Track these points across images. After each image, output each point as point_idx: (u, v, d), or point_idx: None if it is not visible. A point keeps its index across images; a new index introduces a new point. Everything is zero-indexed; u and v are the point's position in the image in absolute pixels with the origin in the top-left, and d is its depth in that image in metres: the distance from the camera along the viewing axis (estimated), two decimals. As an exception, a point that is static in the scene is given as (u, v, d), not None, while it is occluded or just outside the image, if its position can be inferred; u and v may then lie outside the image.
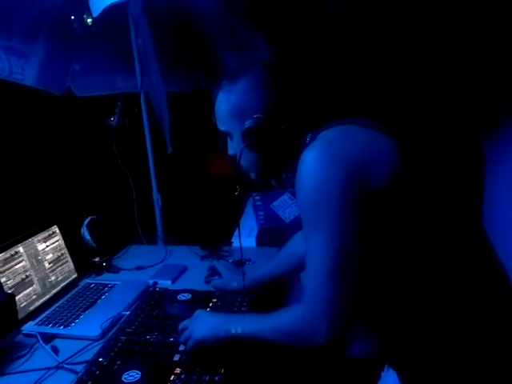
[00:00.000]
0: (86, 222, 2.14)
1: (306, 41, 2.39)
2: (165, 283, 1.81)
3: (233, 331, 1.15)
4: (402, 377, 1.12)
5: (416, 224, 1.01)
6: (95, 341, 1.42)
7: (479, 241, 1.08)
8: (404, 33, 2.21)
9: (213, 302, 1.55)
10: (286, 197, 2.34)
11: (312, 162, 1.01)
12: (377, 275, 1.06)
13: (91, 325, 1.49)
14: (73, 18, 2.16)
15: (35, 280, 1.66)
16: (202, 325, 1.24)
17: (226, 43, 2.68)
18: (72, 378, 1.19)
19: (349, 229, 0.99)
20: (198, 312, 1.32)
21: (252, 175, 1.26)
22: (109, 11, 2.08)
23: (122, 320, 1.49)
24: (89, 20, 2.14)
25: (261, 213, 2.38)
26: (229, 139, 1.25)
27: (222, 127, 1.23)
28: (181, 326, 1.30)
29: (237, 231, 2.30)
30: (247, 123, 1.15)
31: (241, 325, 1.16)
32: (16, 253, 1.60)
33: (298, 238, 1.58)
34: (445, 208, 1.05)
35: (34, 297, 1.63)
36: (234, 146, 1.22)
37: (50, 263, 1.75)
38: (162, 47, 2.41)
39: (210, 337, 1.20)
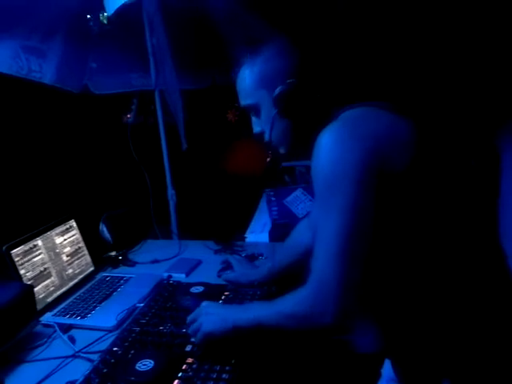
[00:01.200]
0: (103, 217, 2.19)
1: (326, 28, 2.37)
2: (179, 276, 1.84)
3: (241, 321, 1.15)
4: (396, 365, 1.16)
5: (428, 211, 1.01)
6: (110, 331, 1.46)
7: (490, 237, 1.08)
8: (427, 22, 2.20)
9: (225, 295, 1.57)
10: (299, 192, 2.35)
11: (329, 141, 1.00)
12: (383, 262, 1.05)
13: (107, 316, 1.53)
14: (89, 16, 2.21)
15: (53, 272, 1.70)
16: (210, 317, 1.22)
17: (241, 38, 2.70)
18: (88, 366, 1.23)
19: (362, 209, 0.97)
20: (204, 304, 1.30)
21: (281, 147, 1.23)
22: (123, 10, 2.11)
23: (137, 311, 1.53)
24: (104, 18, 2.18)
25: (274, 208, 2.39)
26: (253, 116, 1.24)
27: (248, 101, 1.21)
28: (189, 318, 1.29)
29: (250, 226, 2.33)
30: (278, 89, 1.14)
31: (248, 314, 1.15)
32: (35, 246, 1.65)
33: (300, 228, 1.60)
34: (458, 198, 1.05)
35: (52, 288, 1.68)
36: (262, 120, 1.20)
37: (67, 256, 1.80)
38: (176, 45, 2.44)
39: (219, 329, 1.19)
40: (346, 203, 0.96)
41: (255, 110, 1.21)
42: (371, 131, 1.00)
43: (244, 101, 1.22)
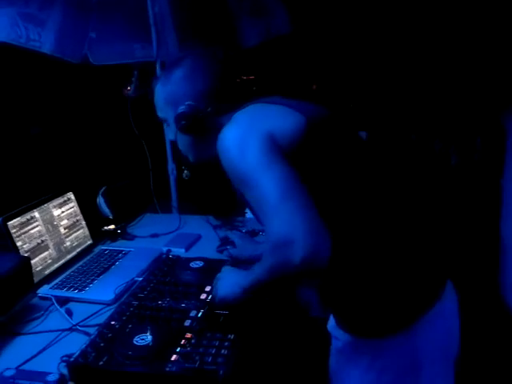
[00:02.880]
0: (101, 190, 2.16)
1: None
2: (178, 251, 1.83)
3: (245, 283, 1.15)
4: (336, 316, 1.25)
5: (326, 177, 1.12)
6: (108, 305, 1.45)
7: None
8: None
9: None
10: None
11: (230, 133, 1.10)
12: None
13: (105, 289, 1.52)
14: (89, -17, 2.15)
15: (50, 245, 1.68)
16: (224, 282, 1.25)
17: (244, 9, 2.64)
18: (85, 339, 1.21)
19: (278, 166, 1.03)
20: (223, 269, 1.34)
21: (189, 157, 1.35)
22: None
23: (135, 286, 1.51)
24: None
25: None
26: (165, 126, 1.36)
27: (160, 114, 1.32)
28: (213, 284, 1.33)
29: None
30: (179, 109, 1.24)
31: (247, 277, 1.16)
32: (32, 218, 1.63)
33: None
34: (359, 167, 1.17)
35: (50, 261, 1.66)
36: (171, 132, 1.31)
37: (65, 229, 1.78)
38: (178, 15, 2.38)
39: (230, 294, 1.20)
40: (264, 168, 1.03)
41: (166, 122, 1.32)
42: (262, 121, 1.11)
43: (158, 112, 1.32)
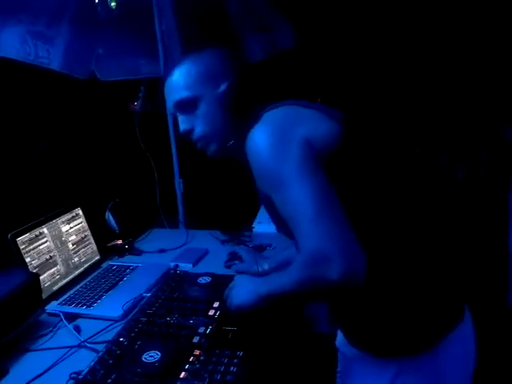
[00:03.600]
0: (109, 206, 2.17)
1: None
2: (186, 266, 1.82)
3: (263, 292, 1.11)
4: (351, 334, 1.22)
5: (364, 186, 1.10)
6: (116, 321, 1.44)
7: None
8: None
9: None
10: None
11: (264, 134, 1.06)
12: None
13: (113, 305, 1.51)
14: (96, 1, 2.17)
15: (59, 261, 1.69)
16: (239, 290, 1.22)
17: (249, 26, 2.67)
18: (93, 356, 1.21)
19: (317, 177, 1.01)
20: (237, 277, 1.31)
21: (213, 144, 1.23)
22: (132, -5, 2.08)
23: (143, 301, 1.51)
24: (112, 4, 2.14)
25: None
26: (182, 114, 1.23)
27: (186, 93, 1.19)
28: (225, 294, 1.31)
29: (258, 216, 2.30)
30: (224, 85, 1.18)
31: (268, 285, 1.11)
32: (40, 233, 1.63)
33: None
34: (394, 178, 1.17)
35: (58, 277, 1.66)
36: (198, 115, 1.21)
37: (73, 244, 1.78)
38: (185, 32, 2.41)
39: (246, 302, 1.16)
40: (299, 174, 1.00)
41: (191, 104, 1.21)
42: (298, 124, 1.07)
43: (180, 94, 1.20)
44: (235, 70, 1.20)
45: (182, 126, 1.24)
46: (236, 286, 1.25)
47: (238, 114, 1.19)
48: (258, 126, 1.08)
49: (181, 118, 1.24)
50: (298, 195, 0.99)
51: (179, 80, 1.20)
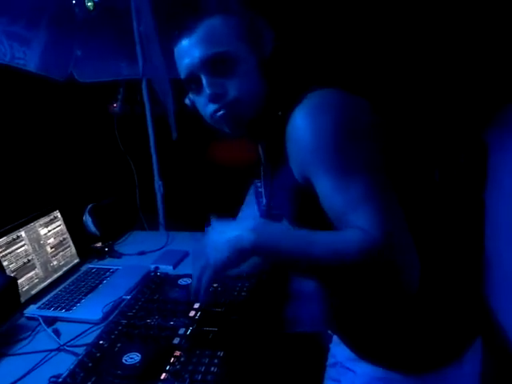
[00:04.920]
0: (88, 208, 2.15)
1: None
2: (166, 268, 1.82)
3: (258, 243, 0.97)
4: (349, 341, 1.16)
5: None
6: (96, 324, 1.43)
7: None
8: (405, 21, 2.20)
9: (213, 287, 1.55)
10: (287, 184, 2.33)
11: (318, 113, 0.94)
12: None
13: (92, 308, 1.50)
14: (74, 2, 2.15)
15: (37, 264, 1.67)
16: (217, 241, 1.03)
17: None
18: (73, 359, 1.20)
19: (383, 165, 0.92)
20: (210, 230, 1.10)
21: (244, 113, 1.06)
22: (110, -5, 2.07)
23: (123, 304, 1.50)
24: (89, 4, 2.13)
25: (262, 200, 2.37)
26: (211, 77, 1.03)
27: (225, 48, 1.01)
28: (192, 260, 1.18)
29: (238, 217, 2.30)
30: (267, 48, 1.03)
31: (263, 234, 0.97)
32: (18, 237, 1.62)
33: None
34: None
35: (36, 281, 1.65)
36: (236, 74, 1.02)
37: (51, 248, 1.77)
38: (164, 32, 2.40)
39: (232, 253, 0.99)
40: (367, 164, 0.91)
41: (229, 62, 1.02)
42: (351, 104, 0.98)
43: (215, 48, 1.00)
44: (277, 35, 1.05)
45: (212, 89, 1.02)
46: (212, 241, 1.06)
47: (276, 87, 1.06)
48: (310, 104, 0.95)
49: (209, 80, 1.03)
50: (370, 183, 0.89)
51: (215, 32, 1.01)
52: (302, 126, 0.94)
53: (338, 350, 1.27)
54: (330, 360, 1.35)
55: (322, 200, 0.94)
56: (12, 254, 1.57)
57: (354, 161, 0.90)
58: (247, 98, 1.04)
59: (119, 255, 2.01)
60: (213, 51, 1.00)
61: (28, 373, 1.22)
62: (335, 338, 1.31)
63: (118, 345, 1.25)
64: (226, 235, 1.01)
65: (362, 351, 1.14)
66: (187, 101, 1.16)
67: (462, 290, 1.12)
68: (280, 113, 1.04)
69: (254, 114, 1.06)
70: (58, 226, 1.84)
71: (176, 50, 1.07)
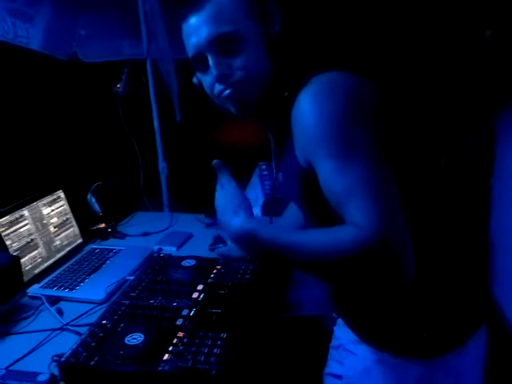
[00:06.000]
0: (92, 188, 2.14)
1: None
2: (170, 249, 1.81)
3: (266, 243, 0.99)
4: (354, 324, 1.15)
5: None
6: (99, 304, 1.43)
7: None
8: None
9: (217, 269, 1.55)
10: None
11: (322, 97, 0.92)
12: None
13: (96, 289, 1.50)
14: (78, -22, 2.12)
15: (40, 243, 1.66)
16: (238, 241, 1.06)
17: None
18: (76, 339, 1.20)
19: (382, 154, 0.91)
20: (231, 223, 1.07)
21: (250, 94, 1.05)
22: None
23: (126, 284, 1.50)
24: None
25: (267, 182, 2.35)
26: (216, 56, 1.01)
27: (232, 27, 0.99)
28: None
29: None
30: (276, 26, 1.01)
31: (273, 237, 0.98)
32: (21, 216, 1.61)
33: (294, 207, 1.57)
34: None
35: (39, 260, 1.64)
36: (244, 53, 1.01)
37: (55, 227, 1.76)
38: (169, 12, 2.37)
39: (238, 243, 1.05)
40: (367, 151, 0.90)
41: (235, 42, 1.00)
42: (356, 88, 0.95)
43: (221, 28, 0.99)
44: (285, 16, 1.03)
45: (219, 70, 1.01)
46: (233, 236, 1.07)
47: (283, 68, 1.04)
48: (314, 88, 0.94)
49: (215, 60, 1.01)
50: (369, 169, 0.88)
51: (223, 10, 0.99)
52: (306, 110, 0.93)
53: (341, 333, 1.27)
54: (334, 342, 1.34)
55: (321, 185, 0.94)
56: (15, 233, 1.57)
57: (354, 147, 0.89)
58: (254, 77, 1.02)
59: (123, 236, 2.01)
60: (220, 31, 0.99)
61: (31, 351, 1.22)
62: (339, 320, 1.30)
63: (121, 325, 1.24)
64: (232, 224, 1.04)
65: (364, 333, 1.13)
66: (195, 80, 1.15)
67: (467, 276, 1.11)
68: (286, 94, 1.03)
69: (261, 95, 1.05)
70: (62, 205, 1.83)
71: (183, 28, 1.05)
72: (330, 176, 0.91)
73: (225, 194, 1.14)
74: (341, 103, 0.91)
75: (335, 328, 1.36)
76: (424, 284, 1.00)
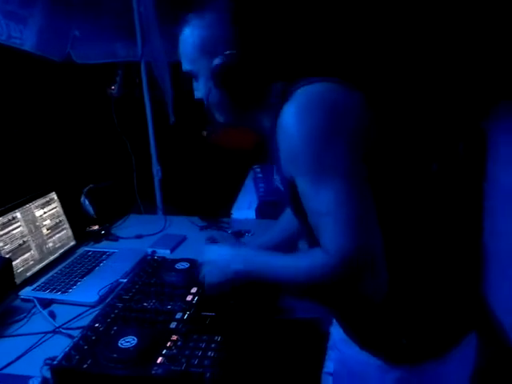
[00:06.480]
0: (85, 190, 2.13)
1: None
2: (163, 252, 1.81)
3: (242, 275, 1.09)
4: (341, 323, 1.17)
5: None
6: (92, 307, 1.42)
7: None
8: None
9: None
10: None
11: (303, 114, 0.95)
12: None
13: (88, 291, 1.49)
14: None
15: (33, 246, 1.65)
16: (212, 268, 1.18)
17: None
18: (68, 342, 1.19)
19: (360, 173, 0.94)
20: (209, 249, 1.25)
21: (219, 116, 1.17)
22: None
23: (120, 287, 1.49)
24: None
25: (261, 185, 2.36)
26: (194, 81, 1.16)
27: (188, 66, 1.13)
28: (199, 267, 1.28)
29: (236, 203, 2.30)
30: (216, 60, 1.07)
31: (252, 267, 1.08)
32: (13, 218, 1.60)
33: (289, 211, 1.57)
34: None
35: (32, 262, 1.63)
36: (200, 88, 1.14)
37: (47, 230, 1.75)
38: (164, 14, 2.36)
39: (221, 280, 1.15)
40: (343, 167, 0.93)
41: (195, 75, 1.14)
42: (339, 105, 0.98)
43: (185, 65, 1.14)
44: (241, 38, 1.07)
45: (195, 94, 1.17)
46: (208, 262, 1.21)
47: (245, 89, 1.10)
48: (297, 103, 0.97)
49: (194, 85, 1.17)
50: (341, 191, 0.91)
51: (182, 50, 1.13)
52: (288, 125, 0.97)
53: (335, 330, 1.30)
54: (330, 342, 1.35)
55: (301, 199, 0.99)
56: (7, 235, 1.55)
57: (329, 167, 0.92)
58: (213, 106, 1.15)
59: (116, 238, 2.00)
60: (184, 69, 1.15)
61: (23, 355, 1.21)
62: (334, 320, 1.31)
63: (114, 328, 1.23)
64: (218, 261, 1.18)
65: (349, 332, 1.15)
66: None
67: (453, 284, 1.11)
68: (274, 101, 1.06)
69: (230, 114, 1.16)
70: (54, 207, 1.82)
71: None
72: (305, 193, 0.96)
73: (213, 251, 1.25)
74: (321, 121, 0.94)
75: (331, 328, 1.37)
76: (406, 291, 1.02)
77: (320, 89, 1.00)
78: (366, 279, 0.89)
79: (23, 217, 1.64)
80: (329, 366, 1.31)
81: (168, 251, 1.82)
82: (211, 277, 1.18)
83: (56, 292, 1.51)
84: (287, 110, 0.98)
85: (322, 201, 0.93)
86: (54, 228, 1.79)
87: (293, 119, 0.96)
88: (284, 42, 1.15)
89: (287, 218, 1.58)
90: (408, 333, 1.04)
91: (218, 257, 1.19)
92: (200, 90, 1.15)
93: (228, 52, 1.06)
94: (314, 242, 0.98)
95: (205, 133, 1.31)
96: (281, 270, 1.03)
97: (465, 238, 1.15)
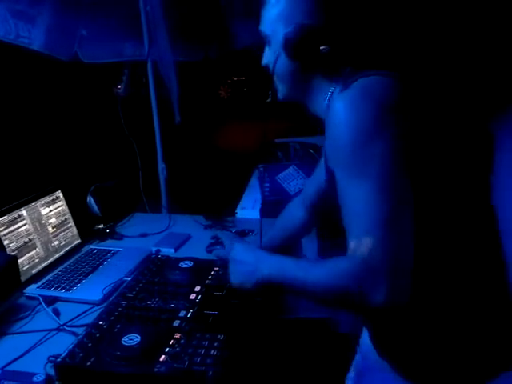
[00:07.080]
0: (91, 189, 2.14)
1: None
2: (167, 251, 1.81)
3: (268, 279, 1.06)
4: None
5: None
6: (96, 305, 1.44)
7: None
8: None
9: (214, 271, 1.54)
10: (292, 169, 2.31)
11: (353, 106, 0.94)
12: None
13: (93, 289, 1.50)
14: (79, -21, 2.12)
15: (38, 244, 1.66)
16: (238, 267, 1.15)
17: (236, 9, 2.63)
18: (72, 339, 1.20)
19: (402, 175, 0.91)
20: (235, 247, 1.21)
21: (281, 87, 1.17)
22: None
23: (124, 285, 1.50)
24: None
25: (266, 184, 2.35)
26: (266, 46, 1.16)
27: (263, 29, 1.13)
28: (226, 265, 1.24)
29: (241, 202, 2.30)
30: (290, 29, 1.06)
31: (278, 272, 1.04)
32: (19, 216, 1.61)
33: (294, 205, 1.57)
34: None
35: (37, 260, 1.64)
36: (269, 53, 1.14)
37: (53, 228, 1.76)
38: (171, 15, 2.37)
39: (246, 282, 1.12)
40: (384, 168, 0.91)
41: (267, 41, 1.15)
42: (390, 103, 0.96)
43: (262, 26, 1.14)
44: (326, 13, 1.06)
45: (263, 60, 1.18)
46: (233, 261, 1.18)
47: (312, 66, 1.09)
48: (351, 95, 0.97)
49: (265, 51, 1.17)
50: (375, 190, 0.89)
51: (264, 11, 1.12)
52: (336, 115, 0.96)
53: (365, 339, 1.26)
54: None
55: (338, 194, 0.98)
56: (13, 233, 1.57)
57: (368, 165, 0.91)
58: (277, 75, 1.14)
59: (121, 237, 2.01)
60: (261, 28, 1.14)
61: (27, 352, 1.22)
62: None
63: (118, 326, 1.24)
64: (245, 263, 1.13)
65: (380, 350, 1.12)
66: None
67: (494, 315, 1.03)
68: (331, 91, 1.08)
69: (293, 88, 1.15)
70: (60, 206, 1.83)
71: None
72: (343, 187, 0.96)
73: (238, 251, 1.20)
74: (369, 117, 0.92)
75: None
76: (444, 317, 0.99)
77: (375, 83, 0.98)
78: (390, 279, 0.86)
79: (29, 215, 1.65)
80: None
81: (172, 250, 1.83)
82: (236, 277, 1.16)
83: (61, 290, 1.52)
84: (340, 99, 0.98)
85: (355, 198, 0.92)
86: (59, 226, 1.80)
87: (343, 109, 0.95)
88: (363, 29, 1.15)
89: (287, 216, 1.58)
90: (441, 365, 1.00)
91: (246, 258, 1.15)
92: (268, 56, 1.15)
93: (304, 23, 1.05)
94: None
95: (269, 100, 1.22)
96: (308, 280, 0.99)
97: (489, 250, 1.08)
